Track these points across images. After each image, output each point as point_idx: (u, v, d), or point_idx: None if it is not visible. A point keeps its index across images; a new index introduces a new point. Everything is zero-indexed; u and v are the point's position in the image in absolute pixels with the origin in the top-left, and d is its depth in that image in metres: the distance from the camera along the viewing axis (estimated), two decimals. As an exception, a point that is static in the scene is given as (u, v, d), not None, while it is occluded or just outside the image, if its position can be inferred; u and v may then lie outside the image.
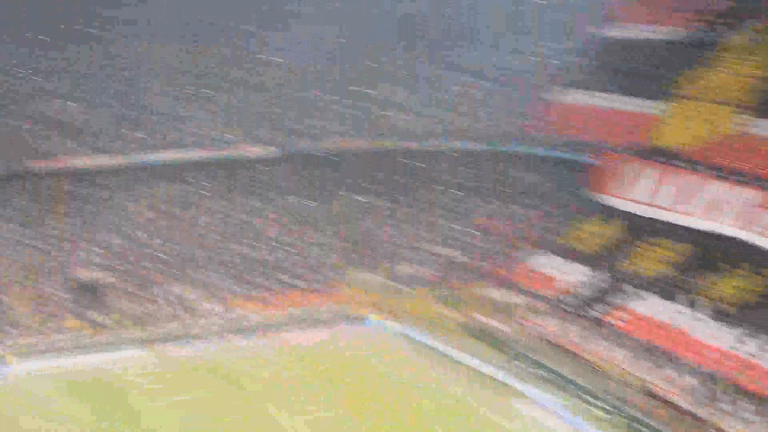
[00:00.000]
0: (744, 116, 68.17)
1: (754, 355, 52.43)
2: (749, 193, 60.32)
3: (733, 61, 74.07)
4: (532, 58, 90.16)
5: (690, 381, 53.36)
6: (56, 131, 79.27)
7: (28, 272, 70.00)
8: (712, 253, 62.11)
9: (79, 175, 77.08)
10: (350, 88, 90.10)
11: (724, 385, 51.47)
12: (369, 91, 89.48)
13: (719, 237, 61.25)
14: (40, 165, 75.57)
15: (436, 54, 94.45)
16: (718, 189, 62.66)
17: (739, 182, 61.72)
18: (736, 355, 53.10)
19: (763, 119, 66.52)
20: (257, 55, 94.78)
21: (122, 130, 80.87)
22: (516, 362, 61.65)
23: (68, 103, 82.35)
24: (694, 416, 50.66)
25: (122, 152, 78.51)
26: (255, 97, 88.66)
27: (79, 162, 76.86)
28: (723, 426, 48.82)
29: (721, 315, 56.68)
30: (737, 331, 54.54)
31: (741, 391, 50.48)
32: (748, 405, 49.33)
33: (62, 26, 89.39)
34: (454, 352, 64.46)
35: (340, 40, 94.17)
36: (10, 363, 61.27)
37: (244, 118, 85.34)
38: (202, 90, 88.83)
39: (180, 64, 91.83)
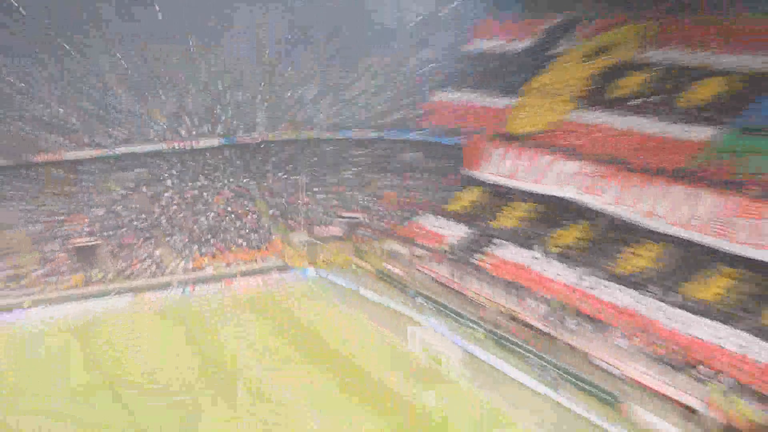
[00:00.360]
0: (569, 106, 72.52)
1: (592, 288, 56.94)
2: (579, 165, 64.74)
3: (561, 65, 78.33)
4: (418, 64, 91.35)
5: (544, 309, 57.84)
6: (47, 131, 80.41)
7: (35, 240, 72.49)
8: (556, 211, 66.00)
9: (70, 165, 79.08)
10: (276, 89, 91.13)
11: (570, 311, 56.18)
12: (289, 93, 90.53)
13: (561, 199, 64.99)
14: (39, 158, 77.91)
15: (342, 61, 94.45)
16: (549, 163, 67.04)
17: (572, 157, 65.97)
18: (578, 289, 57.35)
19: (588, 109, 70.77)
20: (197, 60, 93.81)
21: (98, 128, 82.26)
22: (412, 298, 65.45)
23: (57, 108, 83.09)
24: (548, 335, 55.60)
25: (100, 146, 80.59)
26: (199, 98, 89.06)
27: (68, 155, 79.06)
28: (570, 341, 54.17)
29: (565, 258, 61.14)
30: (578, 271, 59.09)
31: (582, 316, 55.26)
32: (587, 325, 54.46)
33: (45, 41, 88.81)
34: (364, 291, 68.12)
35: (267, 49, 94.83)
36: (26, 307, 65.11)
37: (192, 115, 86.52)
38: (158, 91, 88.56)
39: (136, 69, 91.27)
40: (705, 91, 65.65)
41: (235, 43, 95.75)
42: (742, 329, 47.43)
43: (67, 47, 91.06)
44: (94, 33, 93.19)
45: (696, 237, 54.64)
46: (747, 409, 42.45)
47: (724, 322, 48.71)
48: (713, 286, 52.15)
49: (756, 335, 46.67)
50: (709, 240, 53.57)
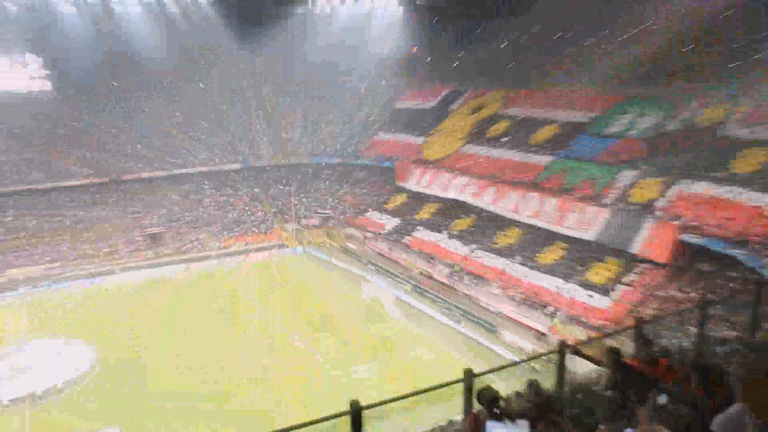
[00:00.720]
0: (461, 142, 72.68)
1: (478, 257, 57.41)
2: (464, 179, 65.42)
3: (455, 117, 78.63)
4: (365, 116, 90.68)
5: (445, 269, 58.08)
6: (130, 158, 79.49)
7: (124, 229, 71.60)
8: (454, 209, 65.51)
9: (145, 181, 78.00)
10: (273, 130, 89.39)
11: (460, 270, 56.76)
12: (283, 134, 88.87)
13: (457, 201, 65.04)
14: (126, 176, 77.27)
15: (315, 113, 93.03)
16: (449, 178, 67.56)
17: (459, 174, 66.57)
18: (469, 257, 57.72)
19: (473, 144, 70.85)
20: (222, 105, 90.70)
21: (162, 157, 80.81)
22: (365, 264, 65.33)
23: (136, 144, 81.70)
24: (452, 288, 55.68)
25: (163, 168, 79.57)
26: (223, 138, 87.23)
27: (144, 174, 78.30)
28: (465, 291, 54.26)
29: (460, 238, 61.11)
30: (469, 246, 59.21)
31: (472, 275, 55.40)
32: (471, 278, 54.99)
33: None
34: (333, 260, 67.80)
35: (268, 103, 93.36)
36: (117, 273, 64.60)
37: (218, 149, 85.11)
38: (189, 131, 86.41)
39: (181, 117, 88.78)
40: (544, 133, 66.09)
41: (247, 105, 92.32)
42: (572, 282, 48.01)
43: (131, 103, 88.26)
44: (161, 95, 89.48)
45: (541, 224, 55.42)
46: (574, 330, 43.07)
47: (561, 277, 49.13)
48: (553, 255, 52.45)
49: (580, 285, 47.28)
50: (549, 226, 54.24)
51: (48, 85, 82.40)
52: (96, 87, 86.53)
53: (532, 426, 5.60)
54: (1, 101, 79.51)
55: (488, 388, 6.51)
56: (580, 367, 33.82)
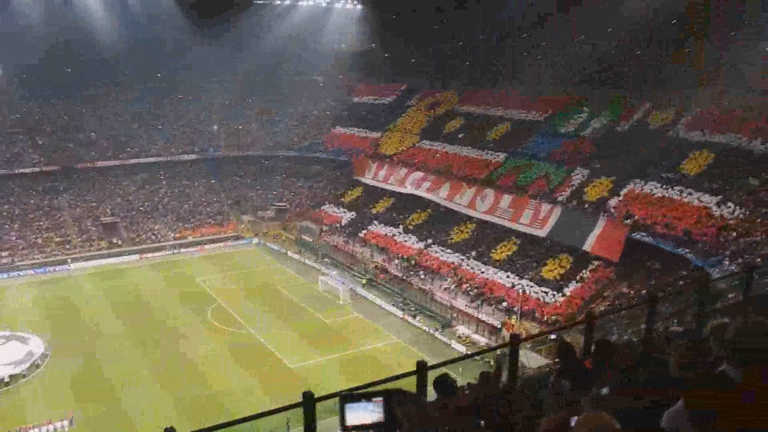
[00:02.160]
0: (416, 138, 72.33)
1: (434, 251, 57.11)
2: (420, 174, 65.19)
3: (411, 112, 78.18)
4: (321, 110, 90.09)
5: (399, 262, 57.73)
6: (86, 148, 77.23)
7: (77, 218, 69.53)
8: (410, 203, 64.92)
9: (99, 170, 75.77)
10: (231, 123, 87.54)
11: (415, 263, 56.41)
12: (239, 126, 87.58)
13: (413, 195, 64.75)
14: (80, 165, 74.83)
15: (274, 106, 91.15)
16: (405, 173, 67.26)
17: (415, 169, 66.36)
18: (424, 252, 57.19)
19: (429, 140, 70.44)
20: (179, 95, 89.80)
21: (119, 147, 78.62)
22: (320, 256, 64.62)
23: (90, 133, 79.48)
24: (400, 278, 55.85)
25: (119, 158, 77.48)
26: (179, 129, 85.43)
27: (99, 164, 75.92)
28: (412, 281, 54.53)
29: (416, 233, 60.52)
30: (424, 241, 58.45)
31: (420, 266, 55.58)
32: (423, 272, 54.64)
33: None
34: (289, 253, 66.99)
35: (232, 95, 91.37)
36: (70, 262, 62.80)
37: (175, 140, 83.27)
38: (145, 121, 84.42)
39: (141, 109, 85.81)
40: (498, 131, 66.17)
41: (205, 93, 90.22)
42: (525, 278, 48.00)
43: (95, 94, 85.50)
44: (116, 84, 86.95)
45: (496, 220, 55.58)
46: (526, 325, 43.23)
47: (515, 272, 49.12)
48: (507, 250, 52.49)
49: (533, 281, 47.32)
50: (504, 222, 54.28)
51: (-2, 70, 79.40)
52: (49, 73, 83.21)
53: (477, 415, 5.56)
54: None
55: (445, 375, 6.35)
56: (533, 362, 33.40)
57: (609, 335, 31.77)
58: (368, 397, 4.56)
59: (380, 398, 4.48)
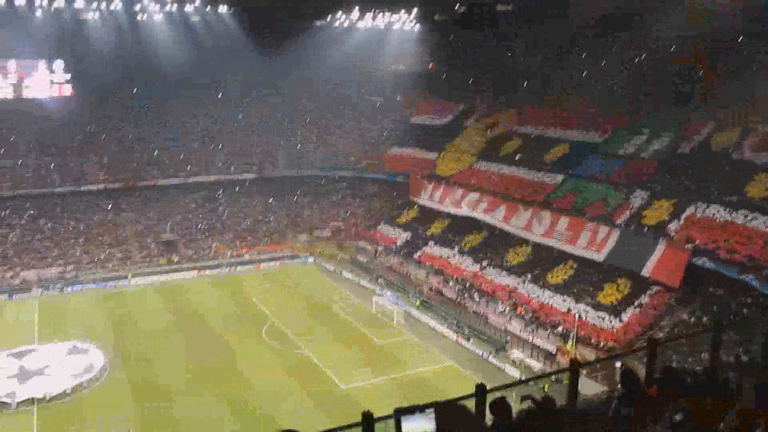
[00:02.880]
0: (473, 159, 71.93)
1: (489, 274, 57.18)
2: (476, 196, 64.73)
3: (468, 133, 77.65)
4: (378, 130, 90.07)
5: (455, 285, 57.48)
6: (149, 165, 79.21)
7: (138, 235, 71.56)
8: (465, 225, 64.31)
9: (160, 188, 77.73)
10: (290, 143, 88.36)
11: (468, 286, 56.13)
12: (298, 146, 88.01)
13: (469, 217, 64.17)
14: (142, 183, 76.98)
15: (330, 127, 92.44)
16: (461, 194, 66.83)
17: (471, 190, 65.95)
18: (475, 272, 57.29)
19: (486, 161, 70.08)
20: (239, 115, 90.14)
21: (179, 165, 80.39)
22: (374, 278, 64.30)
23: (153, 153, 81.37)
24: (453, 300, 55.81)
25: (179, 176, 79.10)
26: (239, 148, 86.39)
27: (160, 182, 78.08)
28: (466, 303, 54.45)
29: (472, 254, 60.27)
30: (479, 264, 58.22)
31: (478, 289, 55.17)
32: (478, 294, 54.46)
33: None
34: (344, 272, 67.05)
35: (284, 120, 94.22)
36: (130, 277, 64.16)
37: (234, 158, 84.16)
38: (205, 140, 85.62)
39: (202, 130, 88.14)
40: (556, 152, 65.33)
41: (264, 116, 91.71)
42: (582, 302, 47.24)
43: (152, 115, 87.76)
44: (179, 104, 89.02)
45: (552, 243, 54.82)
46: (581, 350, 42.43)
47: (572, 297, 48.41)
48: (564, 274, 51.76)
49: (590, 306, 46.51)
50: (561, 245, 53.58)
51: (69, 91, 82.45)
52: (116, 94, 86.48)
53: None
54: (23, 106, 79.73)
55: (502, 400, 6.35)
56: (589, 389, 32.60)
57: (668, 363, 30.77)
58: (421, 409, 4.63)
59: (432, 409, 4.56)
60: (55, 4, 72.79)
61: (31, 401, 39.54)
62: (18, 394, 39.95)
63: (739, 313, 38.45)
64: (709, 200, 46.71)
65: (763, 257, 39.52)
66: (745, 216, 43.50)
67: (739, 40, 56.97)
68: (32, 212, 71.01)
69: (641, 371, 7.73)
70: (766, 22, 51.93)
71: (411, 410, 4.62)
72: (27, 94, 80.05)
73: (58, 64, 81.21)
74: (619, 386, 7.43)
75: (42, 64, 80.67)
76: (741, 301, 39.63)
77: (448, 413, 4.37)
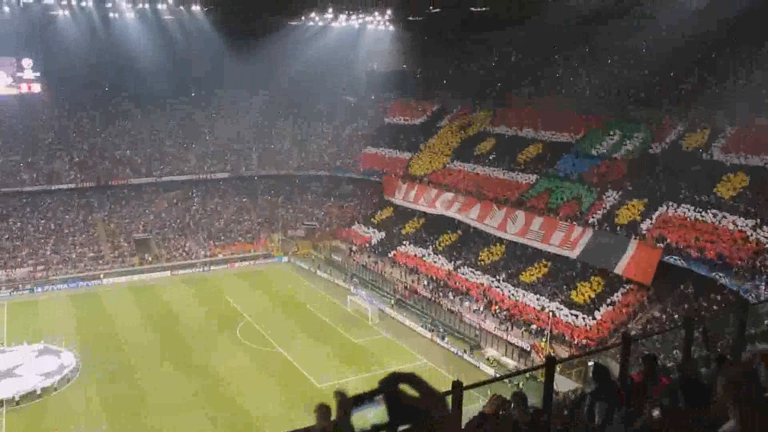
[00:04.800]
0: (447, 159, 71.98)
1: (463, 273, 57.56)
2: (454, 195, 64.53)
3: (443, 133, 77.59)
4: (353, 130, 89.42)
5: (427, 282, 57.76)
6: (121, 165, 78.54)
7: (110, 234, 70.78)
8: (440, 224, 64.86)
9: (133, 187, 77.16)
10: (264, 143, 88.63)
11: (443, 284, 56.36)
12: (272, 145, 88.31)
13: (438, 216, 64.81)
14: (115, 182, 76.31)
15: (305, 127, 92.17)
16: (435, 193, 66.72)
17: (445, 190, 65.96)
18: (449, 271, 57.66)
19: (460, 161, 70.17)
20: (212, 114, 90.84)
21: (153, 164, 79.94)
22: (349, 276, 64.66)
23: (126, 151, 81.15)
24: (428, 298, 55.58)
25: (153, 175, 78.43)
26: (213, 147, 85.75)
27: (132, 180, 77.45)
28: (441, 302, 54.18)
29: (446, 254, 60.74)
30: (453, 263, 58.79)
31: (449, 286, 55.52)
32: (452, 293, 54.50)
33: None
34: (318, 272, 67.36)
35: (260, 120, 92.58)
36: (102, 277, 63.82)
37: (208, 158, 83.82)
38: (178, 139, 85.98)
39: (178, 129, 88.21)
40: (530, 152, 65.73)
41: (238, 115, 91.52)
42: (556, 301, 47.72)
43: (132, 110, 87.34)
44: (151, 102, 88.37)
45: (526, 242, 55.17)
46: (555, 348, 42.89)
47: (546, 295, 48.87)
48: (538, 272, 52.26)
49: (564, 304, 47.00)
50: (535, 244, 53.95)
51: (38, 88, 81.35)
52: (88, 92, 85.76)
53: None
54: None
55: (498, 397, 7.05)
56: (563, 386, 32.97)
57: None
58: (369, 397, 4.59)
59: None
60: (24, 0, 71.72)
61: None
62: (-13, 395, 39.43)
63: (708, 309, 39.19)
64: (680, 200, 47.45)
65: (733, 255, 40.24)
66: (715, 215, 44.29)
67: (710, 44, 57.91)
68: (1, 211, 70.01)
69: (614, 368, 7.99)
70: (739, 27, 53.01)
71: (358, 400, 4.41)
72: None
73: (27, 62, 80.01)
74: (592, 381, 7.70)
75: (8, 62, 79.40)
76: (711, 297, 40.34)
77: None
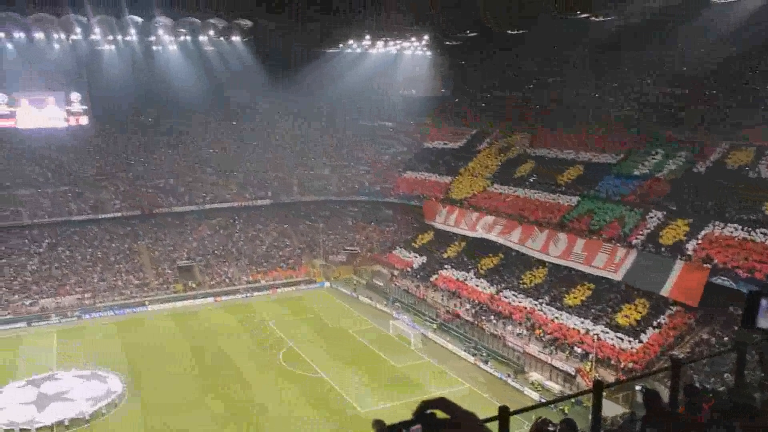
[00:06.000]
0: (487, 182, 71.57)
1: (506, 296, 56.84)
2: (495, 218, 63.99)
3: (482, 156, 77.46)
4: (392, 155, 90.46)
5: (470, 307, 57.25)
6: (164, 194, 79.99)
7: (155, 261, 71.98)
8: (481, 247, 64.23)
9: (176, 215, 78.50)
10: (304, 169, 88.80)
11: (485, 308, 55.75)
12: (312, 171, 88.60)
13: (484, 240, 63.91)
14: (158, 210, 77.75)
15: (345, 153, 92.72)
16: (476, 217, 66.26)
17: (486, 213, 65.43)
18: (493, 295, 56.90)
19: (500, 184, 69.71)
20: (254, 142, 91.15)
21: (195, 193, 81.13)
22: (390, 301, 64.46)
23: (169, 179, 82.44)
24: (471, 323, 55.13)
25: (195, 203, 79.50)
26: (254, 174, 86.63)
27: (176, 208, 78.72)
28: (483, 326, 53.66)
29: (488, 277, 60.17)
30: (495, 286, 58.22)
31: (491, 311, 54.91)
32: (494, 317, 54.02)
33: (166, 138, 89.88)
34: (360, 297, 67.41)
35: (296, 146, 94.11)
36: (147, 305, 64.87)
37: (249, 185, 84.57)
38: (220, 167, 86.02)
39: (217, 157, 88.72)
40: (571, 173, 65.16)
41: (278, 142, 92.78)
42: (600, 323, 46.94)
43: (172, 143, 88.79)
44: (193, 131, 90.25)
45: (569, 264, 54.49)
46: (603, 373, 42.14)
47: (590, 318, 48.18)
48: (581, 295, 51.48)
49: (609, 327, 46.24)
50: (577, 266, 53.34)
51: (86, 120, 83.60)
52: (132, 123, 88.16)
53: None
54: (41, 136, 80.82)
55: (543, 420, 6.62)
56: (609, 411, 32.25)
57: (690, 383, 30.51)
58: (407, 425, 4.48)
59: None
60: (73, 37, 74.12)
61: (49, 428, 39.72)
62: (37, 420, 40.23)
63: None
64: (727, 219, 46.46)
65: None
66: (764, 234, 43.19)
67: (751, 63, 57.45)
68: (50, 240, 71.71)
69: (662, 392, 7.78)
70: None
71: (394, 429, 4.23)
72: (42, 125, 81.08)
73: (75, 96, 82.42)
74: (643, 407, 7.52)
75: (58, 96, 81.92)
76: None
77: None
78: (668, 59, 66.45)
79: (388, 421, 2.80)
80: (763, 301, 4.35)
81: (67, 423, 40.03)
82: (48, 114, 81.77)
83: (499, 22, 73.63)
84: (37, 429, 39.46)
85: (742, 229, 44.73)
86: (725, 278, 42.21)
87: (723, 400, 7.17)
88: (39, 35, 72.85)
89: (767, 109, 54.20)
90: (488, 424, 4.86)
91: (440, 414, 3.16)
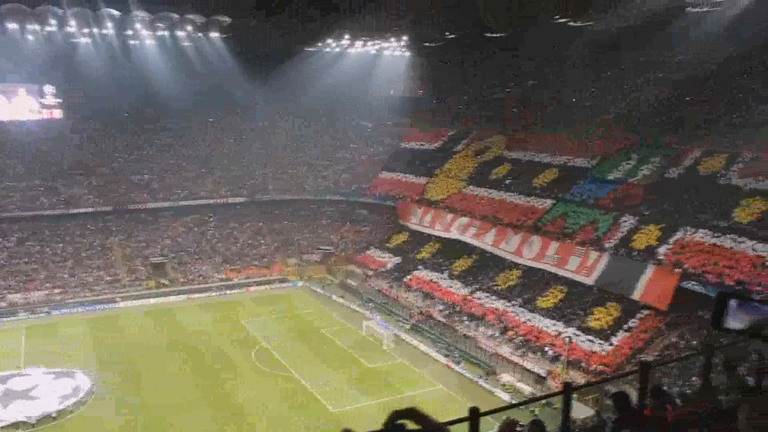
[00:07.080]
0: (463, 184, 72.00)
1: (478, 298, 57.02)
2: (469, 220, 64.59)
3: (458, 158, 77.85)
4: (369, 155, 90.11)
5: (442, 308, 57.19)
6: (138, 189, 79.35)
7: (126, 258, 71.13)
8: (455, 249, 64.57)
9: (150, 211, 77.64)
10: (280, 168, 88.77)
11: (458, 310, 55.69)
12: (288, 170, 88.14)
13: (458, 241, 64.25)
14: (132, 206, 76.78)
15: (320, 153, 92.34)
16: (451, 218, 66.66)
17: (461, 214, 65.90)
18: (465, 296, 57.03)
19: (475, 186, 70.10)
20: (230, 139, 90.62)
21: (170, 189, 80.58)
22: (364, 301, 64.44)
23: (144, 175, 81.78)
24: (443, 323, 55.05)
25: (169, 200, 78.91)
26: (230, 172, 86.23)
27: (149, 204, 77.92)
28: (456, 327, 53.62)
29: (461, 278, 60.24)
30: (469, 287, 58.24)
31: (464, 312, 54.85)
32: (467, 318, 54.02)
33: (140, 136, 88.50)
34: (333, 296, 66.94)
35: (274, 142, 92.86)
36: (118, 302, 64.02)
37: (225, 182, 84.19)
38: (195, 164, 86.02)
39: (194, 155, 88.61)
40: (546, 177, 65.56)
41: (254, 140, 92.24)
42: (572, 326, 47.29)
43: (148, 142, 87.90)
44: (168, 127, 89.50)
45: (542, 267, 54.73)
46: (572, 374, 42.57)
47: (561, 321, 48.47)
48: (554, 298, 51.77)
49: (580, 330, 46.61)
50: (550, 269, 53.61)
51: (59, 114, 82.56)
52: (107, 117, 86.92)
53: None
54: (13, 129, 79.65)
55: (511, 421, 6.85)
56: (579, 413, 32.43)
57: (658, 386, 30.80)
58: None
59: None
60: (47, 29, 73.09)
61: (15, 426, 38.93)
62: (1, 417, 39.43)
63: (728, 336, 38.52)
64: (698, 224, 47.01)
65: (752, 280, 39.71)
66: (733, 240, 43.80)
67: (729, 73, 58.28)
68: (20, 235, 70.63)
69: (631, 394, 7.82)
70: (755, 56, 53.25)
71: None
72: (12, 117, 79.99)
73: (49, 89, 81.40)
74: (611, 410, 7.57)
75: (30, 88, 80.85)
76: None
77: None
78: (652, 64, 67.13)
79: (359, 423, 2.76)
80: (732, 302, 4.36)
81: (33, 421, 39.34)
82: (19, 106, 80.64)
83: (496, 23, 73.38)
84: (2, 427, 38.55)
85: (713, 235, 45.30)
86: (695, 283, 42.71)
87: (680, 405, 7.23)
88: (12, 26, 71.59)
89: (746, 117, 54.98)
90: (459, 425, 4.86)
91: (411, 425, 3.13)
